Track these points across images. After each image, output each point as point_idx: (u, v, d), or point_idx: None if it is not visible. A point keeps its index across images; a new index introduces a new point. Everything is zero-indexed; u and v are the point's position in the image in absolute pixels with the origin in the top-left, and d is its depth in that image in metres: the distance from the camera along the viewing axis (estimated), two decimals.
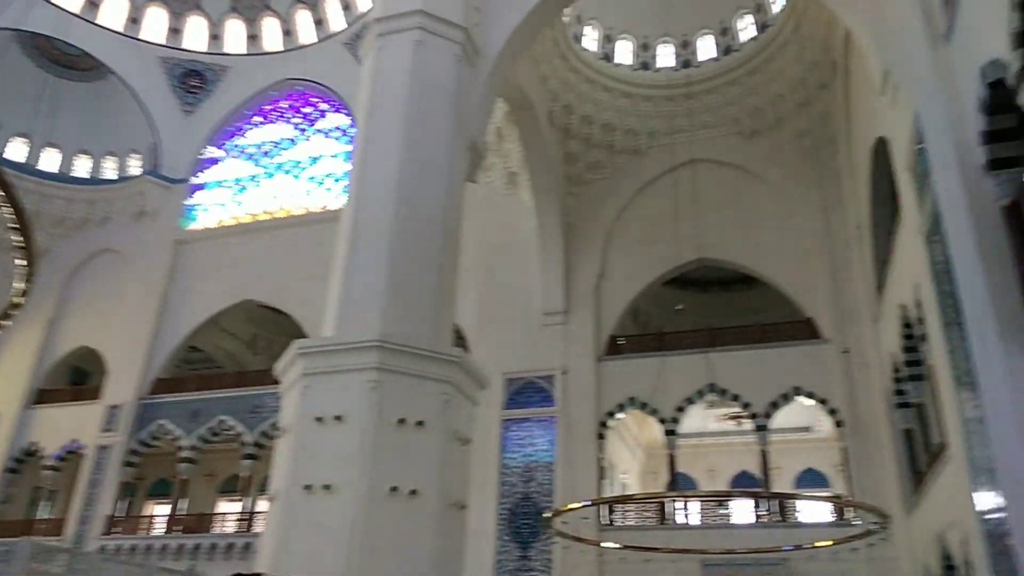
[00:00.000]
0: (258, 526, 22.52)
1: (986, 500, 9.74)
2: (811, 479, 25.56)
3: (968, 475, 10.47)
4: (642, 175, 23.52)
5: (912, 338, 15.27)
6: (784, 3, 21.00)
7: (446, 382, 10.71)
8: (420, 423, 10.26)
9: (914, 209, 12.18)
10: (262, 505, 21.39)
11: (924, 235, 11.65)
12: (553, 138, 22.56)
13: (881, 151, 15.87)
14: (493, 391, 20.00)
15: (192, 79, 29.18)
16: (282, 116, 28.96)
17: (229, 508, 25.58)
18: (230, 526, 23.82)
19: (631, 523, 20.32)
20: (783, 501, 19.68)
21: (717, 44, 23.19)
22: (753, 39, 22.29)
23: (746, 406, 20.79)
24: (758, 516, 19.77)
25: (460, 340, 21.49)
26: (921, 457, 16.05)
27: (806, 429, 25.62)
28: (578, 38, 22.95)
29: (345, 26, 27.90)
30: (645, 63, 23.66)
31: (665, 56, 23.70)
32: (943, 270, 10.70)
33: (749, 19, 22.59)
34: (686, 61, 23.42)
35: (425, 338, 10.98)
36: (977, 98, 8.96)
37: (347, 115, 27.03)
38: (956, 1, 9.43)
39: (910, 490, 16.76)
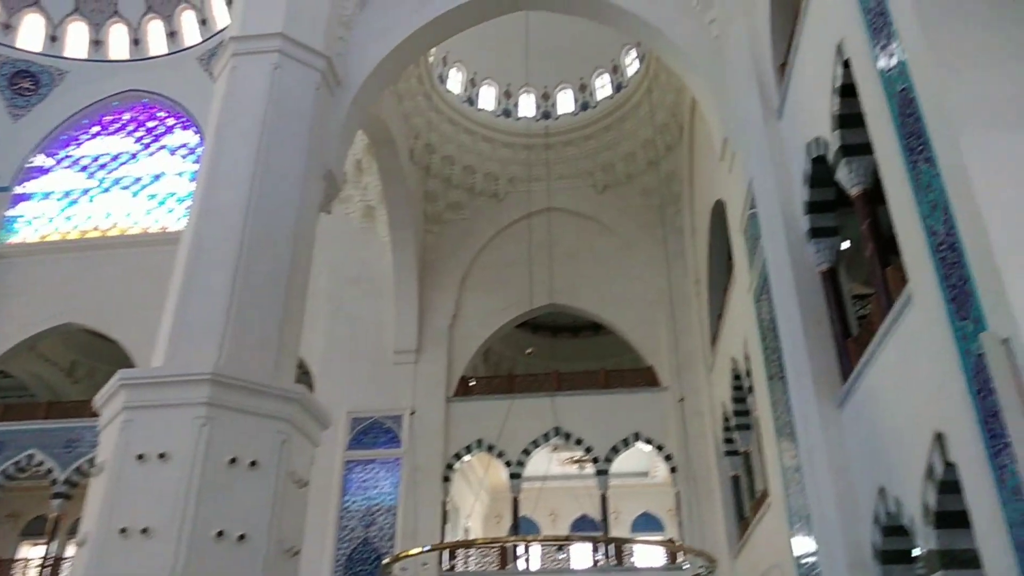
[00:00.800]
0: (65, 574, 20.43)
1: (802, 545, 10.39)
2: (647, 523, 26.47)
3: (787, 521, 11.14)
4: (500, 219, 23.90)
5: (741, 389, 16.27)
6: (639, 67, 22.24)
7: (284, 420, 10.20)
8: (253, 463, 9.68)
9: (745, 269, 13.05)
10: (72, 551, 19.41)
11: (753, 294, 12.48)
12: (414, 175, 22.53)
13: (719, 213, 16.97)
14: (337, 430, 19.34)
15: (23, 80, 26.84)
16: (123, 128, 27.09)
17: (33, 554, 23.07)
18: (32, 573, 21.49)
19: (472, 568, 20.13)
20: (620, 545, 20.18)
21: (575, 99, 24.17)
22: (609, 97, 23.41)
23: (588, 450, 21.29)
24: (596, 561, 20.15)
25: (305, 376, 20.70)
26: (747, 503, 16.99)
27: (644, 474, 26.58)
28: (443, 79, 23.22)
29: (200, 40, 26.71)
30: (507, 110, 24.25)
31: (526, 106, 24.41)
32: (769, 327, 11.48)
33: (606, 78, 23.73)
34: (546, 112, 24.22)
35: (265, 373, 10.45)
36: (803, 171, 9.78)
37: (196, 133, 25.71)
38: (788, 82, 10.32)
39: (736, 535, 17.67)
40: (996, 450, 4.65)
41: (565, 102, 24.30)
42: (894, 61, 6.00)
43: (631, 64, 22.87)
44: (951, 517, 6.47)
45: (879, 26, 6.26)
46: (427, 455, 20.84)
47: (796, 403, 9.82)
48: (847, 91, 7.87)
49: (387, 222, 22.08)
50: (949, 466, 6.15)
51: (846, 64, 7.72)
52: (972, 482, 5.06)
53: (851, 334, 9.08)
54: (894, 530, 7.77)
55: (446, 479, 21.05)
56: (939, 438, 6.28)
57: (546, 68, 23.48)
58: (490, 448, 21.35)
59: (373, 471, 20.80)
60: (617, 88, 23.29)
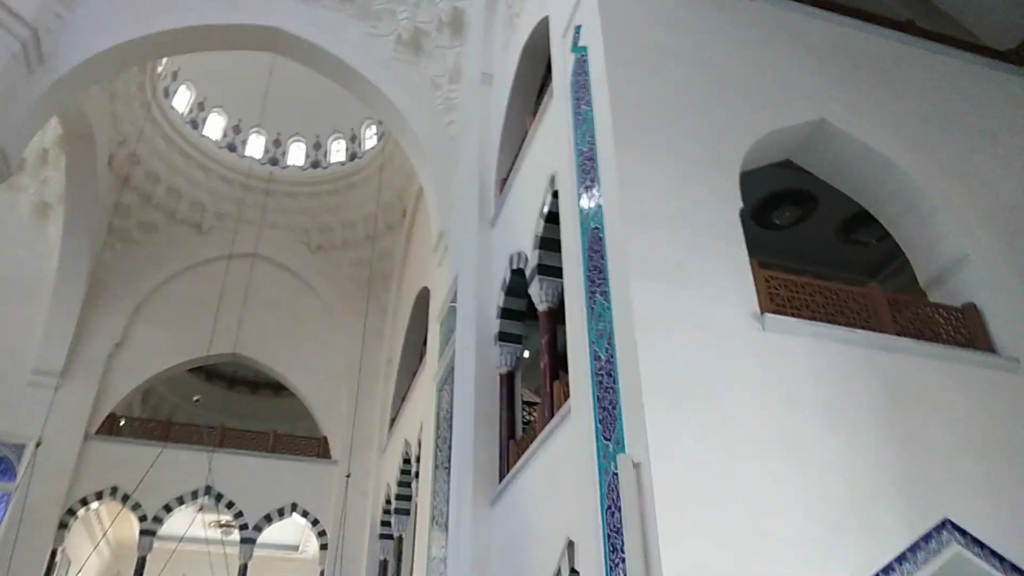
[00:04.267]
0: None
1: None
2: None
3: None
4: (198, 253, 22.29)
5: (408, 474, 16.48)
6: (376, 143, 22.64)
7: None
8: None
9: (436, 357, 13.50)
10: None
11: (438, 383, 12.91)
12: (108, 183, 20.20)
13: (423, 299, 17.53)
14: None
15: None
16: None
17: None
18: None
19: None
20: None
21: (307, 154, 23.80)
22: (341, 163, 23.40)
23: (239, 515, 19.93)
24: None
25: None
26: None
27: (294, 548, 25.41)
28: (169, 93, 21.56)
29: None
30: (232, 145, 23.10)
31: (255, 146, 23.48)
32: (446, 417, 11.89)
33: (343, 144, 23.76)
34: (274, 159, 23.48)
35: None
36: (503, 278, 10.49)
37: None
38: (506, 197, 11.16)
39: None
40: (614, 563, 5.18)
41: (296, 154, 23.80)
42: (593, 204, 6.78)
43: (370, 139, 23.21)
44: None
45: (587, 169, 7.07)
46: (46, 495, 17.96)
47: (455, 495, 10.15)
48: (552, 218, 8.69)
49: (62, 225, 19.43)
50: (574, 572, 6.71)
51: (555, 194, 8.55)
52: None
53: (515, 436, 9.70)
54: None
55: (64, 525, 18.26)
56: (570, 545, 6.85)
57: (283, 114, 22.95)
58: (125, 498, 19.04)
59: None
60: (351, 156, 23.40)
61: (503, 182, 11.47)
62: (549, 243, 8.89)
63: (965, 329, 6.86)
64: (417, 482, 14.60)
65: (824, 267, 10.72)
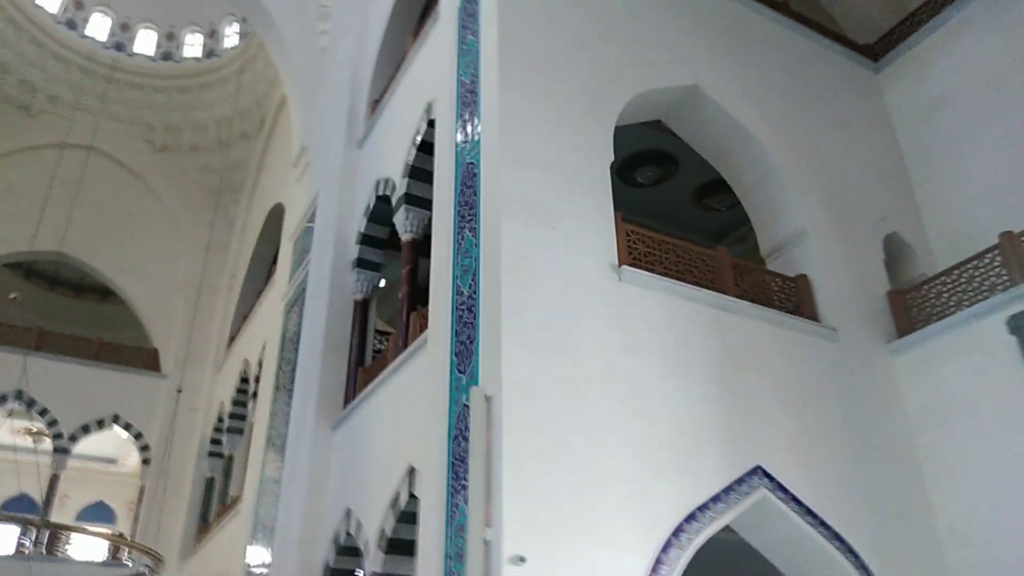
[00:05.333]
0: None
1: (257, 555, 10.46)
2: (98, 514, 23.91)
3: (251, 530, 11.14)
4: (24, 137, 20.11)
5: (245, 393, 16.01)
6: (238, 43, 21.12)
7: None
8: None
9: (286, 277, 13.08)
10: None
11: (286, 304, 12.54)
12: None
13: (276, 216, 16.82)
14: None
15: None
16: None
17: None
18: None
19: None
20: (56, 533, 17.84)
21: (158, 44, 21.84)
22: (196, 59, 21.67)
23: (53, 424, 18.64)
24: (22, 546, 17.46)
25: None
26: (214, 507, 16.57)
27: (112, 460, 24.17)
28: None
29: None
30: (72, 22, 20.79)
31: (99, 27, 21.24)
32: (292, 339, 11.61)
33: (199, 38, 21.96)
34: (120, 44, 21.37)
35: None
36: (366, 203, 10.26)
37: None
38: (377, 118, 10.82)
39: (194, 538, 17.05)
40: (456, 490, 5.33)
41: (145, 42, 21.73)
42: (470, 137, 6.73)
43: (230, 36, 21.60)
44: (401, 544, 7.19)
45: (468, 102, 6.99)
46: None
47: (295, 418, 10.01)
48: (425, 147, 8.55)
49: None
50: (413, 498, 6.86)
51: (431, 123, 8.39)
52: (428, 515, 5.70)
53: (364, 364, 9.65)
54: (349, 550, 8.31)
55: None
56: (411, 472, 6.98)
57: None
58: None
59: None
60: (208, 54, 21.70)
61: (376, 103, 11.11)
62: (420, 173, 8.76)
63: (795, 297, 7.48)
64: (255, 402, 14.23)
65: (677, 228, 11.25)
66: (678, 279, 6.70)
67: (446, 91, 7.50)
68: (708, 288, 6.81)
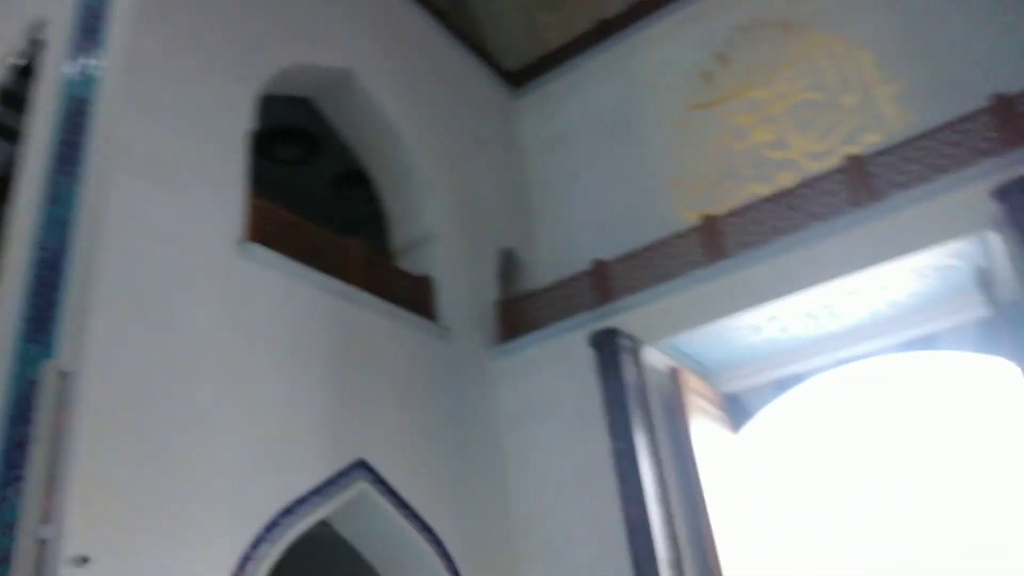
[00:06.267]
0: None
1: None
2: None
3: None
4: None
5: None
6: None
7: None
8: None
9: None
10: None
11: None
12: None
13: None
14: None
15: None
16: None
17: None
18: None
19: None
20: None
21: None
22: None
23: None
24: None
25: None
26: None
27: None
28: None
29: None
30: None
31: None
32: None
33: None
34: None
35: None
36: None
37: None
38: None
39: None
40: (7, 481, 4.46)
41: None
42: (87, 71, 5.76)
43: None
44: None
45: (91, 29, 5.97)
46: None
47: None
48: (26, 71, 7.13)
49: None
50: None
51: (36, 43, 7.03)
52: None
53: None
54: None
55: None
56: None
57: None
58: None
59: None
60: None
61: None
62: (12, 98, 7.27)
63: (418, 296, 7.75)
64: None
65: (313, 212, 10.97)
66: (307, 264, 6.50)
67: (62, 10, 6.34)
68: (336, 277, 6.72)
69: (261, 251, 6.03)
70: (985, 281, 6.45)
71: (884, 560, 11.13)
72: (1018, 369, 6.20)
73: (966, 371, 8.05)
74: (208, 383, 5.26)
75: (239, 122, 6.35)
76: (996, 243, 5.88)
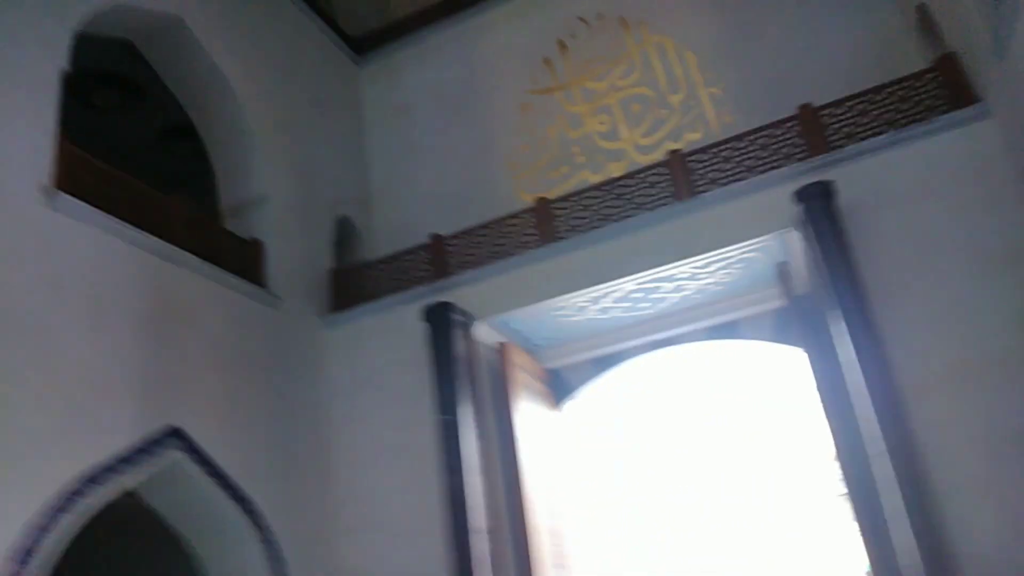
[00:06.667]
0: None
1: None
2: None
3: None
4: None
5: None
6: None
7: None
8: None
9: None
10: None
11: None
12: None
13: None
14: None
15: None
16: None
17: None
18: None
19: None
20: None
21: None
22: None
23: None
24: None
25: None
26: None
27: None
28: None
29: None
30: None
31: None
32: None
33: None
34: None
35: None
36: None
37: None
38: None
39: None
40: None
41: None
42: None
43: None
44: None
45: None
46: None
47: None
48: None
49: None
50: None
51: None
52: None
53: None
54: None
55: None
56: None
57: None
58: None
59: None
60: None
61: None
62: None
63: (246, 260, 7.45)
64: None
65: (133, 165, 10.21)
66: (125, 219, 6.07)
67: None
68: (156, 235, 6.33)
69: (71, 202, 5.58)
70: (783, 275, 7.14)
71: (685, 533, 12.16)
72: (806, 356, 6.92)
73: (762, 357, 8.89)
74: (4, 338, 4.82)
75: (53, 60, 5.81)
76: (795, 240, 6.53)
